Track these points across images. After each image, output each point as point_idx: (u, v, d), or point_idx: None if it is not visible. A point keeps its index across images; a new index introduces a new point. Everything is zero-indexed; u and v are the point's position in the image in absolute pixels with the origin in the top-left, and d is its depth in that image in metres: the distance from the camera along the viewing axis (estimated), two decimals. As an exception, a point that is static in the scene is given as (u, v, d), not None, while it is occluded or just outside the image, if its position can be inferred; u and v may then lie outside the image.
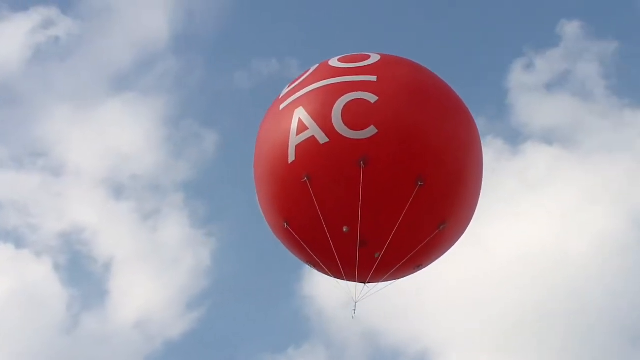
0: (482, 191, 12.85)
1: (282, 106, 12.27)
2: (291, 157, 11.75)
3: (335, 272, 12.21)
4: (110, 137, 30.42)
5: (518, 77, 30.28)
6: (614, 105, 29.72)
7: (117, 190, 29.81)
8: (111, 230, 29.67)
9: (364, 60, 12.37)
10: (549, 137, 29.33)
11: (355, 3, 33.05)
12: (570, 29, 30.18)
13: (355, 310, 11.60)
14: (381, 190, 11.48)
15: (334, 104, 11.63)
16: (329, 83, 11.97)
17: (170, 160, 30.14)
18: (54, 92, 31.37)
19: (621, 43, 30.07)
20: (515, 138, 29.47)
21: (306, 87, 12.16)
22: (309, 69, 12.72)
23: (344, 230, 11.58)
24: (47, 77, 31.67)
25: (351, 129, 11.47)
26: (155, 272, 29.20)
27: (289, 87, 12.64)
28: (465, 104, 12.88)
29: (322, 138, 11.55)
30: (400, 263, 12.01)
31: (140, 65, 31.06)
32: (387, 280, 12.46)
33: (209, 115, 31.37)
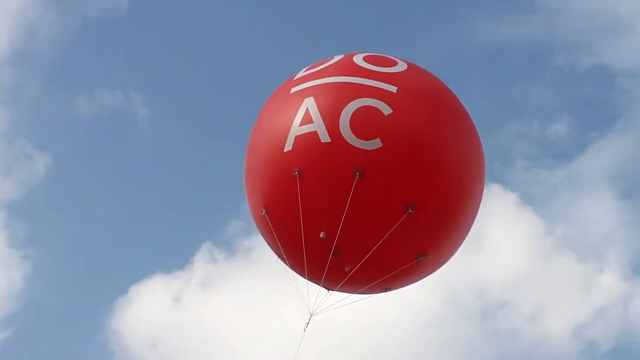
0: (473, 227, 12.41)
1: (293, 90, 11.70)
2: (288, 147, 11.22)
3: (300, 272, 11.77)
4: None
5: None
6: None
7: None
8: None
9: (390, 66, 11.77)
10: None
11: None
12: None
13: (308, 323, 11.17)
14: (369, 207, 10.98)
15: (346, 105, 11.06)
16: (348, 81, 11.39)
17: None
18: None
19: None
20: None
21: (323, 77, 11.57)
22: (332, 58, 12.12)
23: (321, 236, 11.11)
24: None
25: (356, 136, 10.93)
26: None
27: (306, 70, 12.05)
28: (477, 131, 12.35)
29: (324, 137, 11.00)
30: (370, 285, 11.57)
31: None
32: (351, 294, 12.03)
33: (43, 138, 30.73)
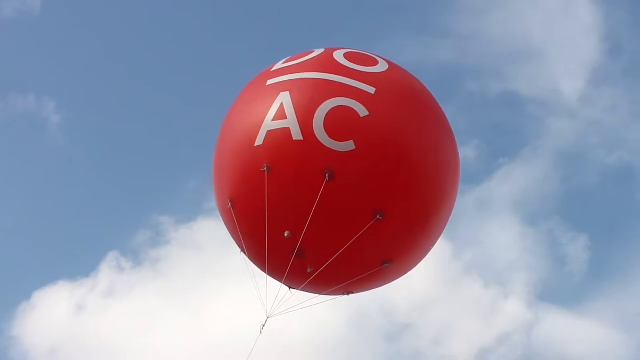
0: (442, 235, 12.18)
1: (269, 82, 11.36)
2: (259, 141, 10.90)
3: (262, 268, 11.51)
4: None
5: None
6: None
7: None
8: None
9: (371, 65, 11.43)
10: None
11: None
12: None
13: (264, 325, 10.92)
14: (337, 210, 10.70)
15: (321, 103, 10.74)
16: (326, 78, 11.05)
17: None
18: None
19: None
20: None
21: (301, 72, 11.23)
22: (313, 51, 11.78)
23: (286, 235, 10.82)
24: None
25: (330, 136, 10.61)
26: None
27: (284, 62, 11.70)
28: (454, 137, 12.08)
29: (296, 134, 10.69)
30: (332, 289, 11.33)
31: None
32: (312, 293, 11.79)
33: None
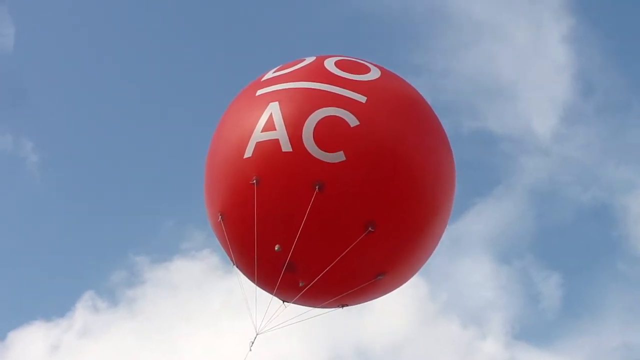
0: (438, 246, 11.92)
1: (259, 92, 11.15)
2: (248, 153, 10.69)
3: (253, 281, 11.31)
4: None
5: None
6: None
7: None
8: None
9: (362, 73, 11.18)
10: None
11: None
12: None
13: (253, 343, 10.71)
14: (327, 223, 10.46)
15: (311, 113, 10.51)
16: (315, 87, 10.82)
17: None
18: None
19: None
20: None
21: (291, 81, 11.00)
22: (304, 59, 11.56)
23: (276, 248, 10.60)
24: None
25: (319, 147, 10.38)
26: None
27: (275, 72, 11.48)
28: (450, 147, 11.82)
29: (285, 145, 10.47)
30: (325, 302, 11.11)
31: None
32: (306, 306, 11.58)
33: None
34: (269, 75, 11.45)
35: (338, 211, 10.42)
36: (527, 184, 29.78)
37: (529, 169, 30.14)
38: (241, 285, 11.27)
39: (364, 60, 11.68)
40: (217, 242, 11.80)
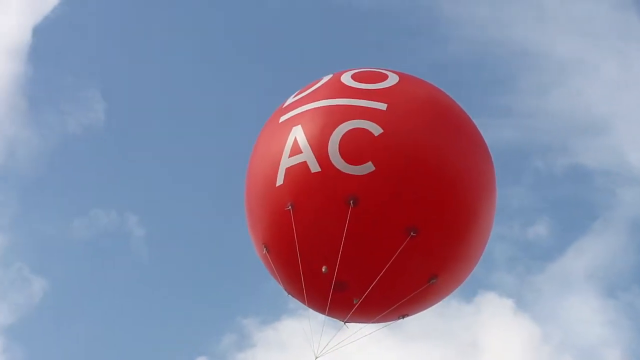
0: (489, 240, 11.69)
1: (282, 119, 11.18)
2: (279, 180, 10.71)
3: (310, 307, 11.26)
4: None
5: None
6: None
7: None
8: None
9: (379, 81, 11.11)
10: None
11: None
12: None
13: None
14: (368, 235, 10.37)
15: (333, 130, 10.48)
16: (335, 104, 10.80)
17: None
18: None
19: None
20: None
21: (310, 102, 11.01)
22: (321, 79, 11.56)
23: (323, 270, 10.55)
24: None
25: (347, 162, 10.33)
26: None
27: (295, 96, 11.52)
28: (484, 139, 11.61)
29: (314, 166, 10.45)
30: (382, 314, 10.98)
31: None
32: (367, 323, 11.47)
33: (41, 261, 29.91)
34: (290, 100, 11.49)
35: (376, 222, 10.32)
36: (626, 216, 29.43)
37: (627, 202, 29.75)
38: (301, 309, 11.22)
39: (381, 69, 11.61)
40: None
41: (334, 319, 11.36)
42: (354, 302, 10.74)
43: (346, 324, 11.43)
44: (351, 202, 10.24)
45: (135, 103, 31.17)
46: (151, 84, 31.35)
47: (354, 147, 10.36)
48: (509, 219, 29.32)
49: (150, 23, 31.81)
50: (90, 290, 29.27)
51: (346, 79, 11.22)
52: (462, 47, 30.26)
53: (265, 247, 11.17)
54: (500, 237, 29.03)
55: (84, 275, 29.66)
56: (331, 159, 10.35)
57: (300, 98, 11.28)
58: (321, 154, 10.40)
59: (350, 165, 10.31)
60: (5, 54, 29.56)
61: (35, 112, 30.02)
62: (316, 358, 10.59)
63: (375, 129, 10.42)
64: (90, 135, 30.17)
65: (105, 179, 30.47)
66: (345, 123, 10.49)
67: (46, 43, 30.87)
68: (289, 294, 11.57)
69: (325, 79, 11.52)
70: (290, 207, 10.55)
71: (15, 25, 29.94)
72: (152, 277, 29.87)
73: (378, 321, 11.38)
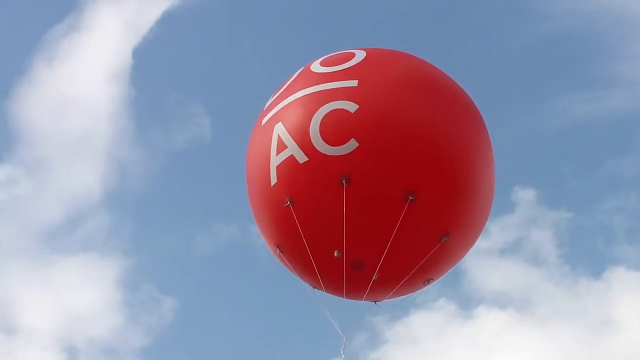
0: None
1: (264, 121, 11.37)
2: (273, 180, 10.88)
3: (336, 294, 11.38)
4: (66, 298, 29.28)
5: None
6: (567, 274, 28.94)
7: (72, 353, 28.47)
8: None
9: (347, 61, 11.22)
10: (502, 303, 28.70)
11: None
12: (525, 196, 29.50)
13: (344, 348, 10.74)
14: (368, 209, 10.46)
15: (311, 117, 10.61)
16: (308, 93, 10.94)
17: (127, 324, 28.97)
18: (2, 248, 30.06)
19: (575, 214, 29.52)
20: (468, 303, 28.75)
21: (286, 98, 11.17)
22: (293, 74, 11.71)
23: (335, 254, 10.66)
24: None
25: (330, 144, 10.45)
26: None
27: (273, 96, 11.69)
28: (469, 97, 11.62)
29: (301, 157, 10.60)
30: (403, 280, 11.01)
31: (74, 222, 29.60)
32: (395, 297, 11.53)
33: (168, 281, 30.19)
34: (269, 101, 11.66)
35: (373, 194, 10.41)
36: None
37: None
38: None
39: (350, 50, 11.71)
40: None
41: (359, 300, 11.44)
42: (374, 278, 10.81)
43: (377, 303, 11.54)
44: (344, 181, 10.35)
45: (239, 114, 30.85)
46: (251, 93, 31.09)
47: (334, 128, 10.48)
48: (624, 189, 29.35)
49: (244, 35, 32.00)
50: (221, 305, 29.29)
51: (315, 66, 11.36)
52: (565, 20, 30.12)
53: (278, 247, 11.33)
54: (617, 209, 29.17)
55: (213, 290, 29.64)
56: (315, 145, 10.48)
57: (277, 97, 11.45)
58: (305, 143, 10.54)
59: (335, 147, 10.42)
60: (110, 79, 30.29)
61: (142, 132, 30.57)
62: (345, 338, 10.68)
63: (351, 106, 10.53)
64: (198, 149, 30.53)
65: (219, 192, 30.34)
66: (321, 108, 10.61)
67: (147, 64, 31.59)
68: (314, 288, 11.67)
69: (297, 72, 11.67)
70: (289, 202, 10.70)
71: (116, 49, 30.77)
72: (281, 284, 29.95)
73: (405, 292, 11.45)
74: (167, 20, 31.09)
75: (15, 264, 28.91)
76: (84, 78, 30.56)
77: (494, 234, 29.23)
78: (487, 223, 11.71)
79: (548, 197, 30.09)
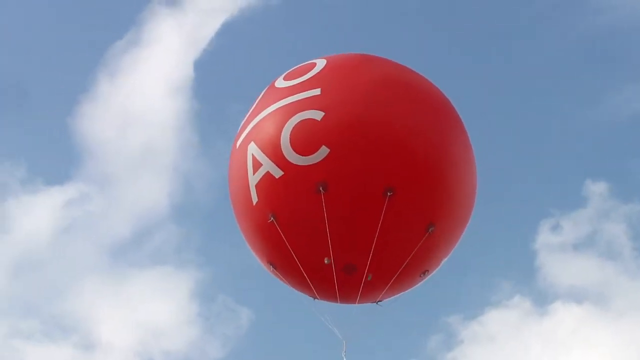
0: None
1: (238, 143, 11.53)
2: (254, 199, 11.00)
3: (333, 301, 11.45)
4: (142, 311, 29.53)
5: (545, 238, 29.35)
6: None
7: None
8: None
9: (309, 71, 11.37)
10: (578, 298, 28.57)
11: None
12: (597, 189, 29.37)
13: (345, 352, 10.78)
14: (350, 212, 10.55)
15: (280, 131, 10.75)
16: (274, 109, 11.09)
17: (203, 336, 29.00)
18: (78, 264, 30.32)
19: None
20: (543, 299, 28.65)
21: (255, 117, 11.33)
22: (260, 94, 11.87)
23: (325, 262, 10.75)
24: (67, 248, 30.38)
25: (302, 154, 10.58)
26: None
27: (244, 118, 11.84)
28: (440, 91, 11.73)
29: (276, 172, 10.72)
30: (396, 275, 11.05)
31: (143, 237, 29.66)
32: (395, 294, 11.60)
33: (242, 291, 29.77)
34: (241, 123, 11.81)
35: (352, 196, 10.51)
36: None
37: None
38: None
39: (311, 60, 11.84)
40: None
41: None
42: (368, 278, 10.88)
43: (378, 303, 11.60)
44: (321, 188, 10.45)
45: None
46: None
47: (303, 138, 10.60)
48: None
49: (302, 43, 31.49)
50: (296, 314, 28.64)
51: (279, 82, 11.52)
52: (624, 10, 30.05)
53: (271, 264, 11.44)
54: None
55: (288, 299, 29.62)
56: (288, 158, 10.60)
57: (247, 117, 11.61)
58: (278, 157, 10.67)
59: (307, 156, 10.54)
60: (172, 92, 30.54)
61: (206, 144, 30.46)
62: (345, 342, 10.73)
63: (317, 114, 10.66)
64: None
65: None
66: (289, 121, 10.75)
67: (208, 75, 31.67)
68: (314, 299, 11.73)
69: (263, 91, 11.83)
70: (272, 218, 10.81)
71: (177, 63, 31.10)
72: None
73: (404, 288, 11.51)
74: (227, 31, 31.17)
75: (91, 279, 29.13)
76: (147, 92, 30.91)
77: (567, 229, 29.39)
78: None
79: (620, 190, 29.86)
